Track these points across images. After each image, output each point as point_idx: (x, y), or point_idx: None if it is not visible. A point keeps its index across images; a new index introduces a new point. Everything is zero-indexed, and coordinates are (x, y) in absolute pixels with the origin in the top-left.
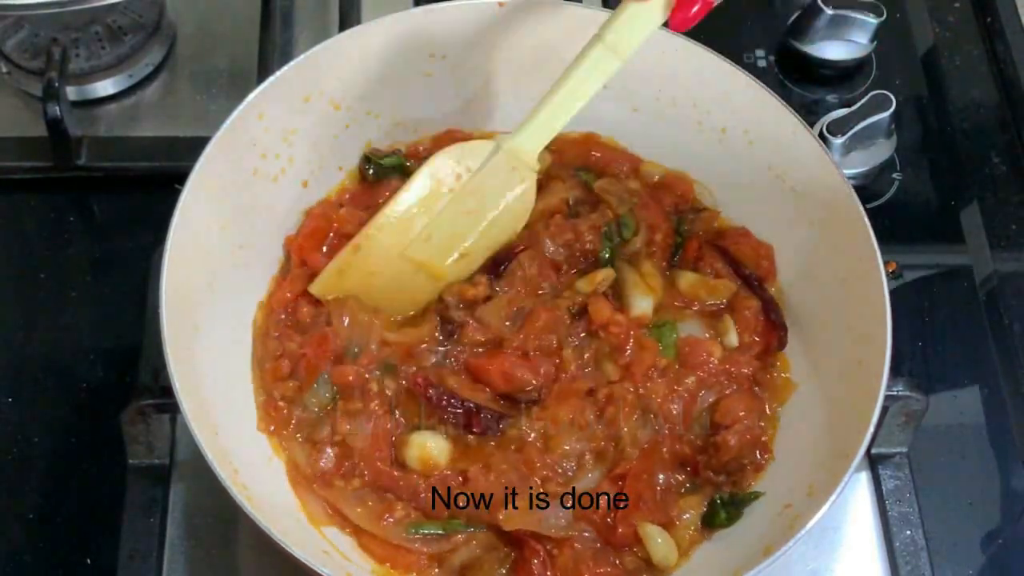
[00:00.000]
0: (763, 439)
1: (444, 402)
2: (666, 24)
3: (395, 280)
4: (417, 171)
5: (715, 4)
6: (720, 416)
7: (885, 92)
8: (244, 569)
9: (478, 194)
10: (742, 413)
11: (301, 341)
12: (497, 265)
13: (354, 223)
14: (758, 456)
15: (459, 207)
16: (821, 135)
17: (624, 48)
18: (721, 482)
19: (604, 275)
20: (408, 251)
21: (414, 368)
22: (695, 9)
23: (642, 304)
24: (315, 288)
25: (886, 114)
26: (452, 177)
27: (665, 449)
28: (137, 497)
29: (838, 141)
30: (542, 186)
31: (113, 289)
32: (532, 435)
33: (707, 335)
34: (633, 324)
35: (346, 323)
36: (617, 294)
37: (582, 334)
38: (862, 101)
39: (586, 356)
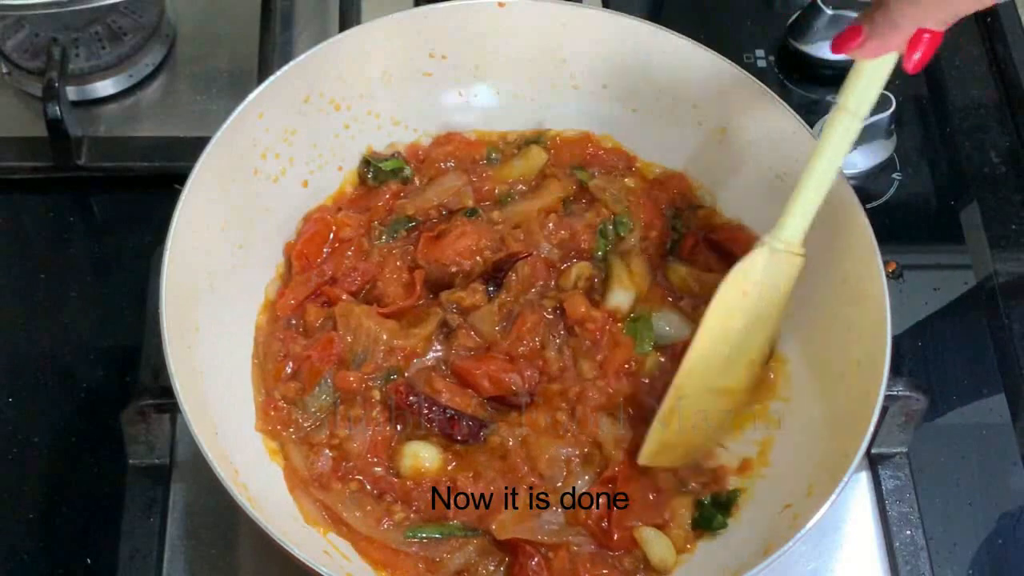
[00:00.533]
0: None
1: (425, 410)
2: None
3: (706, 417)
4: (707, 312)
5: (940, 42)
6: None
7: (885, 92)
8: (244, 569)
9: (763, 299)
10: None
11: (306, 344)
12: (497, 271)
13: (353, 226)
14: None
15: (749, 321)
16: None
17: (865, 108)
18: (703, 483)
19: (578, 271)
20: (715, 384)
21: (408, 373)
22: (918, 56)
23: (618, 297)
24: (644, 460)
25: (885, 114)
26: (739, 298)
27: None
28: (137, 497)
29: None
30: (538, 185)
31: (113, 289)
32: (512, 442)
33: (686, 327)
34: (607, 318)
35: (352, 329)
36: (603, 289)
37: (563, 332)
38: None
39: (566, 355)
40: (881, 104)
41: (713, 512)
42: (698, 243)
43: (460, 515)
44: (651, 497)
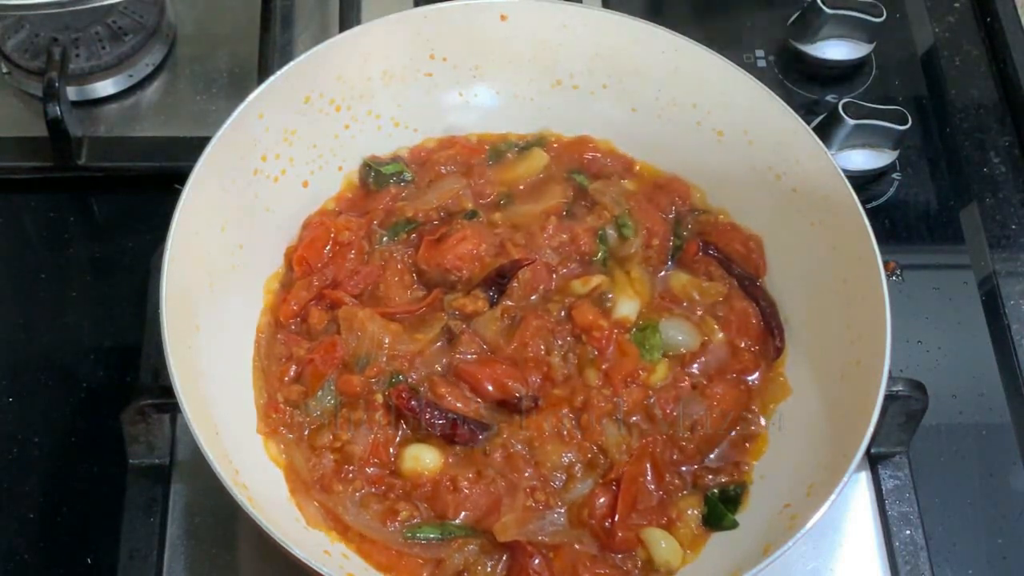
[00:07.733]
0: (749, 431)
1: (427, 413)
2: None
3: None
4: None
5: None
6: (705, 401)
7: (901, 108)
8: (244, 569)
9: None
10: (719, 390)
11: (310, 347)
12: (500, 277)
13: (352, 229)
14: (745, 447)
15: None
16: (834, 113)
17: None
18: (715, 471)
19: (599, 280)
20: None
21: (412, 377)
22: None
23: (625, 308)
24: None
25: (899, 128)
26: None
27: (658, 451)
28: (137, 497)
29: (852, 123)
30: (539, 188)
31: (113, 289)
32: (514, 446)
33: (695, 336)
34: (615, 327)
35: (356, 333)
36: (605, 297)
37: (568, 338)
38: (883, 106)
39: (570, 362)
40: (899, 119)
41: (723, 510)
42: (699, 250)
43: (461, 515)
44: (657, 497)
